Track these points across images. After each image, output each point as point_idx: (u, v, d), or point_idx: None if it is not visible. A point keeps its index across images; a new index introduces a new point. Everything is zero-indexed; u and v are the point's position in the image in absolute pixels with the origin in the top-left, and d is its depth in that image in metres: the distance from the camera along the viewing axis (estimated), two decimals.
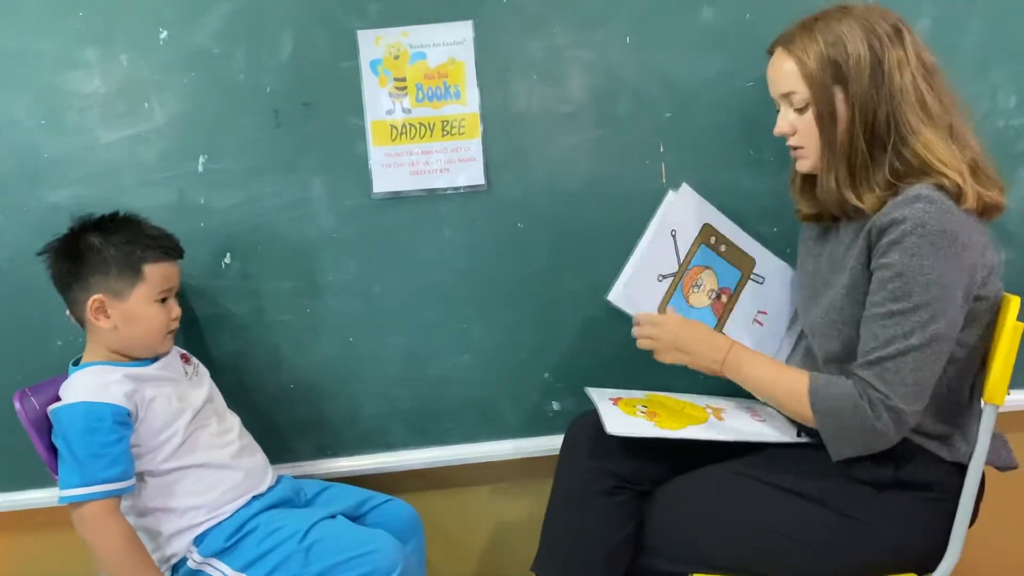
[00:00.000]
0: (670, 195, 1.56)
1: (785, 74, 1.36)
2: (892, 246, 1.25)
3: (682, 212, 1.56)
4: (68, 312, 1.52)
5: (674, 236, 1.55)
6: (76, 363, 1.51)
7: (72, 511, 1.39)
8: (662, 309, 1.53)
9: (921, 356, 1.25)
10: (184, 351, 1.62)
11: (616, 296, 1.50)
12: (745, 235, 1.62)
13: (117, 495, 1.40)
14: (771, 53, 1.42)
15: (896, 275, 1.24)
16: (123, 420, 1.41)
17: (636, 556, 1.43)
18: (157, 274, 1.49)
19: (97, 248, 1.46)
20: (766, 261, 1.63)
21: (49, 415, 1.44)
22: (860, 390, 1.28)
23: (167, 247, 1.52)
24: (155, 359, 1.52)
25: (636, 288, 1.51)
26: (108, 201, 1.60)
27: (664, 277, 1.54)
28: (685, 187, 1.57)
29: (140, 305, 1.48)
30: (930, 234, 1.23)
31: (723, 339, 1.45)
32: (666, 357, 1.46)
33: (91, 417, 1.39)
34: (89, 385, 1.43)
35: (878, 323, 1.27)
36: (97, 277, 1.46)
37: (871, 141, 1.31)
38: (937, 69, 1.34)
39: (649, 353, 1.47)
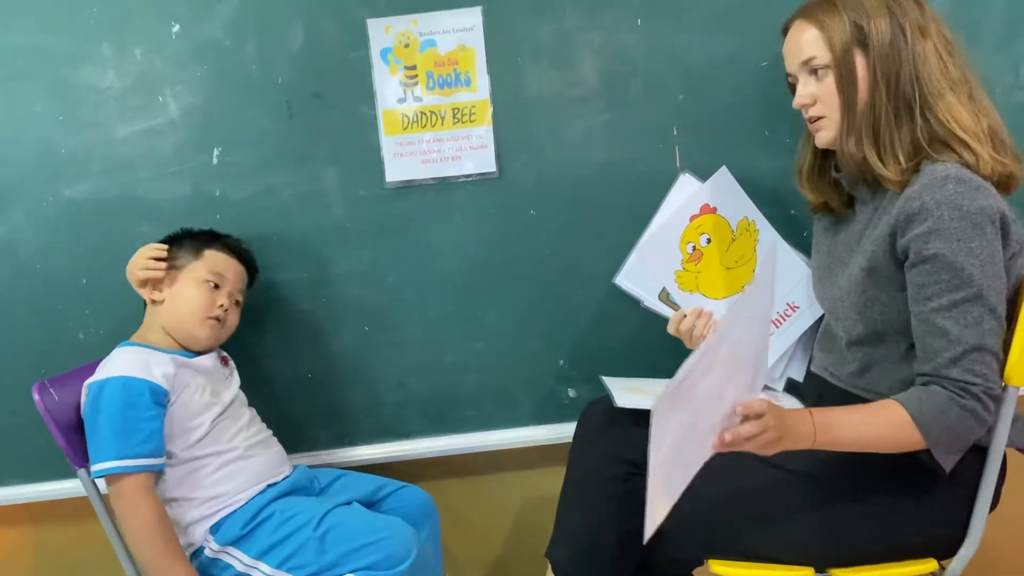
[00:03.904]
0: (685, 177, 1.54)
1: (806, 41, 1.34)
2: (933, 235, 1.21)
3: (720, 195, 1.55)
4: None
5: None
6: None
7: (110, 485, 1.42)
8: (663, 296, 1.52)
9: (996, 338, 1.23)
10: (225, 354, 1.65)
11: (622, 279, 1.50)
12: (786, 245, 1.59)
13: (152, 471, 1.42)
14: (786, 31, 1.40)
15: (947, 265, 1.21)
16: (160, 400, 1.44)
17: (650, 542, 1.42)
18: (214, 258, 1.57)
19: (193, 234, 1.60)
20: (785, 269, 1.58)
21: (85, 388, 1.46)
22: (959, 390, 1.22)
23: (235, 246, 1.62)
24: (199, 353, 1.56)
25: (646, 265, 1.51)
26: (125, 195, 1.64)
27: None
28: (724, 170, 1.55)
29: (189, 281, 1.54)
30: (969, 215, 1.20)
31: (795, 409, 1.28)
32: (770, 451, 1.22)
33: (131, 391, 1.42)
34: (131, 361, 1.46)
35: (944, 317, 1.22)
36: (177, 254, 1.56)
37: (896, 103, 1.29)
38: (955, 43, 1.32)
39: (662, 340, 1.45)
